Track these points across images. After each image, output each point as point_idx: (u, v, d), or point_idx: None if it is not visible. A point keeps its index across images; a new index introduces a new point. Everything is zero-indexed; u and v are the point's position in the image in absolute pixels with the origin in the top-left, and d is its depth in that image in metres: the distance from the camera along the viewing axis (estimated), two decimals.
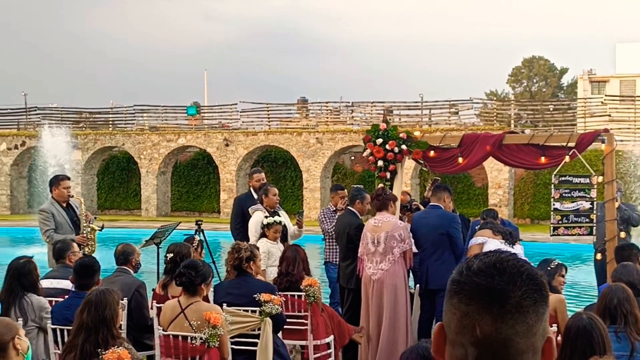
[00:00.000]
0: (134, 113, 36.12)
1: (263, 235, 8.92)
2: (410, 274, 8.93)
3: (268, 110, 34.25)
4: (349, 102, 34.07)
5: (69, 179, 9.97)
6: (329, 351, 7.78)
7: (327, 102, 34.65)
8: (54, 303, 6.71)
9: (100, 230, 9.74)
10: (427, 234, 8.64)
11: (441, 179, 11.20)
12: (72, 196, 9.75)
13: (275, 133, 31.76)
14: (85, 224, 9.48)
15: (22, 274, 6.59)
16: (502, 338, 1.38)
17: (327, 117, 34.23)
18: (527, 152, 8.92)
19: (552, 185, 8.96)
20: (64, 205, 9.51)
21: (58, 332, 6.19)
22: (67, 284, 7.14)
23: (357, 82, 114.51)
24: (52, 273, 7.71)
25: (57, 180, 9.70)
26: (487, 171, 28.24)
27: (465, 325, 1.41)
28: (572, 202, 8.86)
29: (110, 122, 36.66)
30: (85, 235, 9.39)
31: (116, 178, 35.25)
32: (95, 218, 9.91)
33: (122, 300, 6.11)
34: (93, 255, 9.06)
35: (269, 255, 8.69)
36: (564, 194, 8.88)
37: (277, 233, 8.92)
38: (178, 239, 8.89)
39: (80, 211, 9.59)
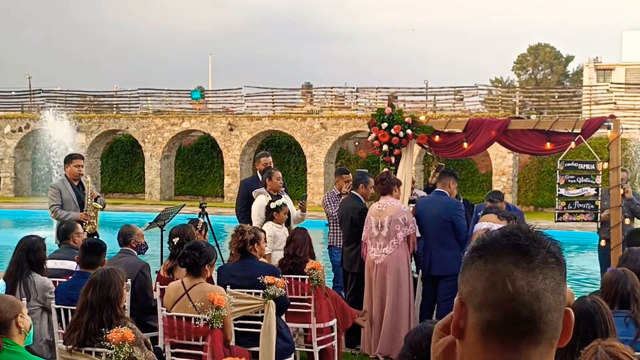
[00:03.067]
0: (138, 97, 36.04)
1: (270, 218, 8.90)
2: (412, 259, 8.93)
3: (272, 95, 34.18)
4: (353, 88, 34.00)
5: (82, 158, 10.34)
6: (332, 334, 7.79)
7: (331, 88, 34.58)
8: (57, 283, 6.72)
9: (102, 209, 9.83)
10: (431, 220, 8.62)
11: (445, 165, 11.17)
12: (82, 174, 9.95)
13: (280, 118, 31.71)
14: (89, 202, 9.57)
15: (32, 250, 6.67)
16: (534, 291, 1.40)
17: (332, 103, 34.17)
18: (532, 137, 8.90)
19: (557, 171, 8.93)
20: (76, 183, 9.76)
21: (62, 312, 6.19)
22: (71, 265, 7.16)
23: (361, 68, 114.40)
24: (56, 254, 7.72)
25: (70, 159, 10.06)
26: (491, 158, 28.18)
27: (495, 282, 1.41)
28: (577, 188, 8.84)
29: (115, 106, 36.64)
30: (87, 212, 9.48)
31: (120, 162, 35.23)
32: (99, 197, 9.99)
33: (127, 281, 6.12)
34: (95, 233, 9.17)
35: (274, 239, 8.68)
36: (569, 180, 8.86)
37: (286, 215, 8.93)
38: (182, 222, 8.88)
39: (86, 189, 9.69)
